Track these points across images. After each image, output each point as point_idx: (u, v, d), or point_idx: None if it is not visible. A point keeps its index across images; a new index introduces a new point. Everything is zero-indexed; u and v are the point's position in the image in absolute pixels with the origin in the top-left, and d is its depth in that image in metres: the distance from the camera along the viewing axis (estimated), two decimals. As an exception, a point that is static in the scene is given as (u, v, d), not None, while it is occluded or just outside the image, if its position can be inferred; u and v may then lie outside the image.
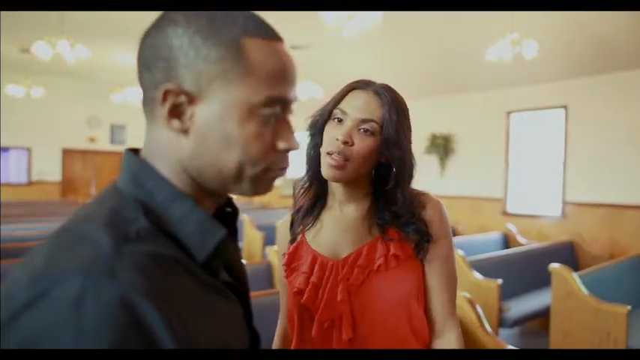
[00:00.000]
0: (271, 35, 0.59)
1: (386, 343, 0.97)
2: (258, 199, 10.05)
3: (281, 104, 0.60)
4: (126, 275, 0.47)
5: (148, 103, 0.59)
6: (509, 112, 6.77)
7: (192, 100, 0.56)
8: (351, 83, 1.03)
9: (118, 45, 6.30)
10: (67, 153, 10.20)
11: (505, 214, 6.72)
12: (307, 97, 6.76)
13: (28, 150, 9.83)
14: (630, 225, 5.52)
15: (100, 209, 0.55)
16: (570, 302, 3.23)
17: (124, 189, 0.59)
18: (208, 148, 0.58)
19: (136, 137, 10.04)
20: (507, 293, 3.87)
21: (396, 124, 0.98)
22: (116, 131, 10.50)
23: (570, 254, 5.40)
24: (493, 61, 4.42)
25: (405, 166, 1.00)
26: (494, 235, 5.64)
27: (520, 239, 5.61)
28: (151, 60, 0.57)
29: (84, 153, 10.31)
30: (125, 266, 0.47)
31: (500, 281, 3.54)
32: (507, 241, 5.74)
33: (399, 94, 1.03)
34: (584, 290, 3.19)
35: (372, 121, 0.97)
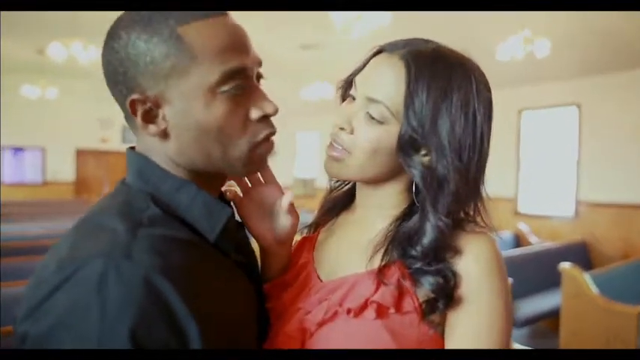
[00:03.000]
0: (207, 14, 0.59)
1: None
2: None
3: (240, 74, 0.60)
4: (142, 256, 0.51)
5: (126, 117, 0.62)
6: (520, 111, 6.71)
7: (157, 103, 0.59)
8: (383, 44, 0.72)
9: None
10: (80, 153, 10.32)
11: (517, 213, 6.67)
12: (317, 97, 6.77)
13: (43, 150, 9.97)
14: (644, 225, 5.44)
15: (113, 202, 0.61)
16: (580, 302, 3.20)
17: (132, 183, 0.63)
18: (189, 141, 0.60)
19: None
20: (518, 293, 3.84)
21: (426, 112, 0.65)
22: (127, 132, 10.59)
23: (583, 254, 5.34)
24: (505, 60, 4.39)
25: (441, 187, 0.66)
26: (506, 235, 5.60)
27: (532, 239, 5.56)
28: (112, 77, 0.60)
29: (97, 153, 10.43)
30: (140, 248, 0.52)
31: (511, 281, 3.52)
32: (519, 241, 5.69)
33: (452, 65, 0.68)
34: (594, 290, 3.16)
35: (380, 102, 0.67)
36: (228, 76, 0.59)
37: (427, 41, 0.71)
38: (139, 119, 0.59)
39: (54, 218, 5.59)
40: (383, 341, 0.64)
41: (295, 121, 9.38)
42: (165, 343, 0.50)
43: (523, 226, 5.80)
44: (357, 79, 0.71)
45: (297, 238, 0.83)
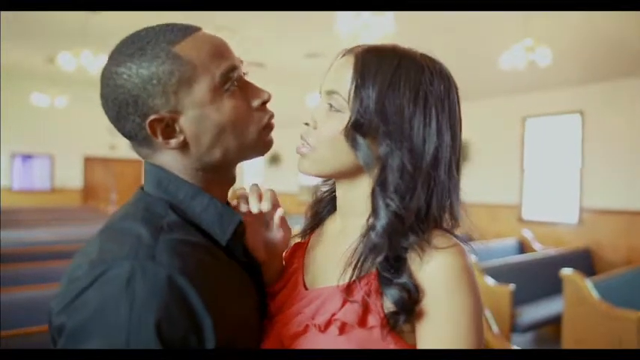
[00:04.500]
0: (189, 30, 0.68)
1: None
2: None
3: (234, 72, 0.69)
4: (164, 258, 0.58)
5: (142, 143, 0.69)
6: (524, 118, 6.75)
7: (173, 118, 0.66)
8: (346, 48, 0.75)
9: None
10: (88, 160, 10.44)
11: (521, 220, 6.68)
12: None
13: (51, 157, 10.09)
14: (648, 232, 5.44)
15: (135, 209, 0.67)
16: (582, 308, 3.22)
17: (151, 192, 0.70)
18: (207, 142, 0.68)
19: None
20: (522, 299, 3.87)
21: (372, 97, 0.67)
22: (136, 139, 10.73)
23: (587, 261, 5.36)
24: (507, 68, 4.43)
25: (385, 163, 0.68)
26: (510, 242, 5.62)
27: (535, 245, 5.58)
28: (122, 112, 0.66)
29: (104, 160, 10.54)
30: (162, 251, 0.59)
31: (512, 286, 3.55)
32: (523, 248, 5.71)
33: (399, 55, 0.70)
34: (595, 296, 3.18)
35: (334, 92, 0.70)
36: (226, 76, 0.67)
37: (387, 44, 0.73)
38: (159, 137, 0.66)
39: (62, 225, 5.67)
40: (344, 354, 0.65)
41: (301, 128, 9.43)
42: (185, 336, 0.56)
43: (527, 233, 5.82)
44: (322, 81, 0.75)
45: (291, 242, 0.85)
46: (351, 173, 0.73)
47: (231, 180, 0.77)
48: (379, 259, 0.66)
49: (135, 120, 0.66)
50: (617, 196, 5.75)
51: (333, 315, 0.66)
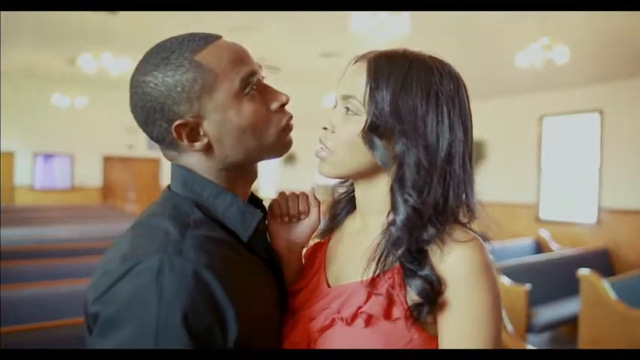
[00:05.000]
0: (210, 39, 0.72)
1: None
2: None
3: (253, 77, 0.73)
4: (191, 253, 0.62)
5: (169, 147, 0.74)
6: (541, 117, 6.68)
7: (197, 122, 0.70)
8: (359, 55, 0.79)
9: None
10: (107, 160, 10.62)
11: (538, 220, 6.62)
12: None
13: (71, 156, 10.28)
14: (669, 232, 5.35)
15: (163, 208, 0.72)
16: (599, 309, 3.19)
17: (178, 191, 0.74)
18: (230, 144, 0.72)
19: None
20: (538, 299, 3.84)
21: (386, 100, 0.71)
22: (154, 138, 10.86)
23: (605, 261, 5.29)
24: (524, 67, 4.40)
25: (402, 165, 0.71)
26: (526, 242, 5.58)
27: (553, 245, 5.53)
28: (150, 117, 0.71)
29: (123, 160, 10.71)
30: (189, 246, 0.63)
31: (528, 286, 3.53)
32: (540, 248, 5.66)
33: (409, 59, 0.74)
34: (612, 296, 3.16)
35: (351, 97, 0.74)
36: (245, 81, 0.71)
37: (398, 48, 0.77)
38: (185, 141, 0.70)
39: (82, 222, 5.79)
40: (374, 347, 0.68)
41: (317, 129, 9.45)
42: (209, 327, 0.59)
43: (544, 233, 5.77)
44: (337, 86, 0.78)
45: (311, 243, 0.88)
46: (368, 173, 0.76)
47: (253, 177, 0.81)
48: (400, 251, 0.70)
49: (162, 125, 0.70)
50: (635, 196, 5.67)
51: (359, 308, 0.69)
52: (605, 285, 3.22)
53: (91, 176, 10.50)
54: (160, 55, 0.70)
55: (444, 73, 0.73)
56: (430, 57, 0.76)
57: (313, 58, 5.93)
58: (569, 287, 4.17)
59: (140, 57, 0.73)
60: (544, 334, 4.00)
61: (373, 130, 0.71)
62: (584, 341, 3.27)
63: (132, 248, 0.64)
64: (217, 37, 0.73)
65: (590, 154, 6.19)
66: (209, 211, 0.71)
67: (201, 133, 0.71)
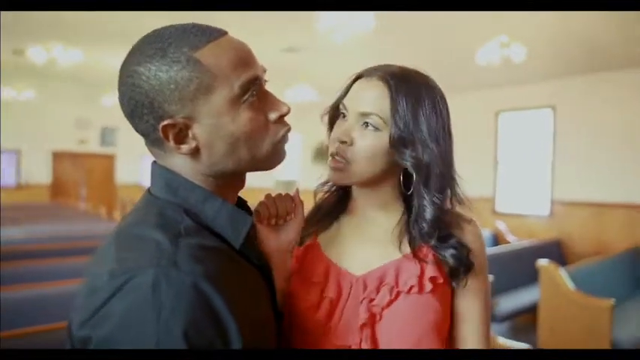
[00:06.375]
0: (214, 35, 0.66)
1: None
2: (250, 203, 10.06)
3: (254, 83, 0.67)
4: (187, 264, 0.57)
5: (154, 143, 0.68)
6: (497, 113, 6.89)
7: (187, 124, 0.65)
8: (359, 71, 0.88)
9: (109, 47, 6.31)
10: (56, 155, 10.15)
11: (495, 213, 6.84)
12: (301, 99, 6.82)
13: (17, 152, 9.77)
14: (615, 223, 5.65)
15: (147, 214, 0.66)
16: (557, 297, 3.33)
17: (160, 196, 0.68)
18: (220, 152, 0.67)
19: (127, 139, 10.01)
20: (497, 289, 3.97)
21: (408, 116, 0.80)
22: (107, 133, 10.48)
23: (558, 252, 5.54)
24: (483, 64, 4.52)
25: (429, 171, 0.82)
26: (485, 234, 5.71)
27: (509, 237, 5.73)
28: (137, 111, 0.65)
29: (74, 155, 10.27)
30: (184, 257, 0.58)
31: (491, 277, 3.63)
32: (497, 240, 5.86)
33: (419, 79, 0.85)
34: (570, 285, 3.30)
35: (373, 114, 0.81)
36: (246, 87, 0.66)
37: (391, 65, 0.87)
38: (171, 142, 0.65)
39: (32, 222, 5.50)
40: (433, 308, 0.80)
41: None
42: (212, 342, 0.55)
43: (501, 225, 5.96)
44: (346, 101, 0.85)
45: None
46: (375, 179, 0.86)
47: (241, 185, 0.76)
48: (433, 240, 0.83)
49: (149, 121, 0.65)
50: (586, 188, 5.95)
51: (420, 276, 0.81)
52: (563, 274, 3.36)
53: (39, 173, 10.01)
54: (156, 45, 0.63)
55: (439, 90, 0.86)
56: (422, 73, 0.88)
57: (276, 53, 5.86)
58: (527, 277, 4.34)
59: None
60: (505, 323, 4.13)
61: (400, 142, 0.81)
62: (543, 329, 3.40)
63: (120, 263, 0.58)
64: (222, 34, 0.67)
65: (543, 149, 6.43)
66: (197, 217, 0.66)
67: (190, 136, 0.65)
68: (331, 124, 0.90)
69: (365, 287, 0.83)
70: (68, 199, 9.73)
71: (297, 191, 0.88)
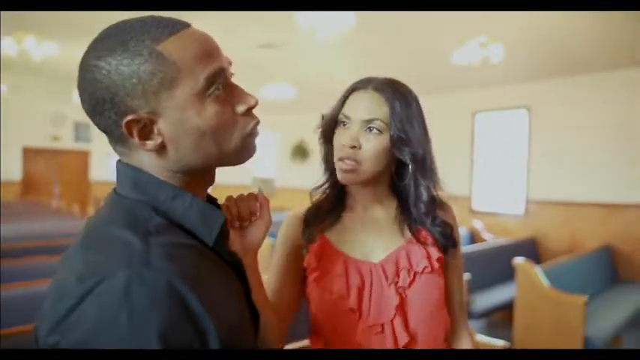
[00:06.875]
0: (176, 27, 0.64)
1: (427, 345, 0.96)
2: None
3: (220, 76, 0.65)
4: (160, 263, 0.55)
5: (118, 141, 0.66)
6: (474, 113, 6.98)
7: (152, 119, 0.62)
8: (352, 84, 1.01)
9: (83, 41, 6.15)
10: (28, 151, 9.88)
11: (471, 211, 6.93)
12: (279, 96, 6.79)
13: (-13, 148, 9.48)
14: (588, 221, 5.79)
15: (115, 214, 0.63)
16: (533, 294, 3.39)
17: (128, 194, 0.66)
18: (187, 147, 0.65)
19: (102, 135, 9.77)
20: (474, 287, 4.02)
21: (403, 119, 0.95)
22: (81, 129, 10.25)
23: (532, 250, 5.64)
24: (462, 64, 4.57)
25: (424, 162, 0.98)
26: (461, 232, 5.81)
27: (485, 235, 5.81)
28: (99, 107, 0.62)
29: (47, 152, 10.02)
30: (156, 256, 0.55)
31: (468, 275, 3.68)
32: (473, 238, 5.93)
33: (404, 87, 1.00)
34: (545, 282, 3.36)
35: (376, 119, 0.95)
36: (211, 80, 0.64)
37: (377, 77, 1.01)
38: (136, 139, 0.63)
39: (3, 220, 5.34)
40: (439, 285, 0.97)
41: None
42: (190, 344, 0.53)
43: (477, 223, 6.04)
44: (347, 111, 0.98)
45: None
46: (377, 176, 0.99)
47: (210, 181, 0.74)
48: (428, 220, 0.99)
49: (111, 117, 0.62)
50: (559, 188, 6.07)
51: (429, 258, 0.97)
52: (538, 272, 3.42)
53: (10, 170, 9.73)
54: (117, 38, 0.61)
55: (416, 95, 1.02)
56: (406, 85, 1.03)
57: (254, 50, 5.82)
58: (503, 275, 4.41)
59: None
60: (482, 320, 4.19)
61: (400, 141, 0.95)
62: (519, 325, 3.46)
63: (88, 265, 0.55)
64: (186, 26, 0.65)
65: (518, 149, 6.54)
66: (167, 215, 0.64)
67: (155, 131, 0.63)
68: (328, 134, 1.02)
69: (384, 272, 0.97)
70: (40, 196, 9.49)
71: (260, 190, 0.87)
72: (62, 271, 0.59)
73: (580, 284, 3.89)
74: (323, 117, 1.04)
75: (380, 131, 0.95)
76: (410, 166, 0.97)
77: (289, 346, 1.59)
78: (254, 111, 0.71)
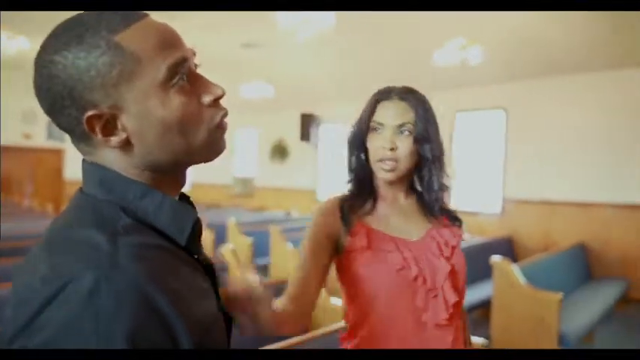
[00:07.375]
0: (134, 18, 0.61)
1: (460, 306, 1.15)
2: (208, 199, 9.92)
3: (183, 65, 0.63)
4: (128, 264, 0.52)
5: (80, 139, 0.63)
6: (453, 113, 7.06)
7: (114, 114, 0.60)
8: (375, 95, 1.18)
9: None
10: (-1, 150, 9.62)
11: (449, 210, 7.00)
12: (258, 95, 6.75)
13: (-44, 146, 9.19)
14: (563, 220, 5.93)
15: (81, 214, 0.60)
16: (509, 292, 3.45)
17: (95, 194, 0.63)
18: (153, 141, 0.62)
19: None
20: (452, 285, 4.07)
21: (425, 120, 1.13)
22: (53, 127, 10.02)
23: (509, 248, 5.74)
24: (441, 65, 4.62)
25: (441, 158, 1.16)
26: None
27: (463, 234, 5.88)
28: (58, 103, 0.59)
29: (19, 150, 9.76)
30: (125, 256, 0.53)
31: (446, 274, 3.72)
32: (451, 237, 5.98)
33: (420, 94, 1.18)
34: (521, 280, 3.42)
35: (407, 123, 1.13)
36: (173, 70, 0.61)
37: (396, 86, 1.19)
38: (99, 135, 0.60)
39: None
40: (464, 259, 1.16)
41: (234, 119, 9.27)
42: (159, 345, 0.52)
43: (455, 223, 6.11)
44: (378, 119, 1.15)
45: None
46: (408, 171, 1.17)
47: (181, 180, 0.72)
48: (440, 204, 1.19)
49: (71, 114, 0.59)
50: (535, 187, 6.20)
51: (455, 235, 1.18)
52: (515, 270, 3.48)
53: (-20, 168, 9.45)
54: (73, 31, 0.58)
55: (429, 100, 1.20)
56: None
57: (234, 49, 5.78)
58: (480, 273, 4.47)
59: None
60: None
61: (424, 140, 1.13)
62: (497, 323, 3.52)
63: (53, 268, 0.53)
64: (143, 16, 0.62)
65: (495, 149, 6.64)
66: (136, 215, 0.61)
67: (119, 127, 0.60)
68: (359, 140, 1.18)
69: (428, 247, 1.14)
70: (12, 195, 9.25)
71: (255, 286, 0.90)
72: (25, 275, 0.56)
73: (555, 282, 3.97)
74: (352, 126, 1.21)
75: (410, 133, 1.13)
76: (428, 160, 1.15)
77: (271, 347, 1.58)
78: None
